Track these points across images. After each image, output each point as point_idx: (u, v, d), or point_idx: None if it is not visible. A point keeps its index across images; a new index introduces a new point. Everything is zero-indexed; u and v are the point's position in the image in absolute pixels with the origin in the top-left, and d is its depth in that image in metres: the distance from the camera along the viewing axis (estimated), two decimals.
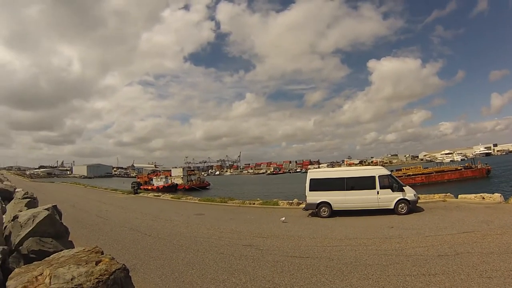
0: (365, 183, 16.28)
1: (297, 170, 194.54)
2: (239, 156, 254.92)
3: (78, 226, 13.62)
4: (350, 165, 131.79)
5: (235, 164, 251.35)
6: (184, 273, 8.18)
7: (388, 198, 15.72)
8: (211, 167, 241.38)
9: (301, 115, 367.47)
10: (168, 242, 11.61)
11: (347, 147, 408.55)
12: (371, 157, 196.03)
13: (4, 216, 8.83)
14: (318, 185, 16.88)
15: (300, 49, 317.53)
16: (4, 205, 13.26)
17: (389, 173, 17.37)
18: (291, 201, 20.73)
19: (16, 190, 20.78)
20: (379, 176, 16.26)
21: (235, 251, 10.04)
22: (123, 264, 4.39)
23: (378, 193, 15.87)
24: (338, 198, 16.23)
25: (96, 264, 4.32)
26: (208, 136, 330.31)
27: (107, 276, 4.08)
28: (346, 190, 16.32)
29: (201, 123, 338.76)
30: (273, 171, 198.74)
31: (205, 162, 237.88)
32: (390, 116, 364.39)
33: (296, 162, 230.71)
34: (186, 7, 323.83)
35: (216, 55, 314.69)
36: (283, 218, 15.10)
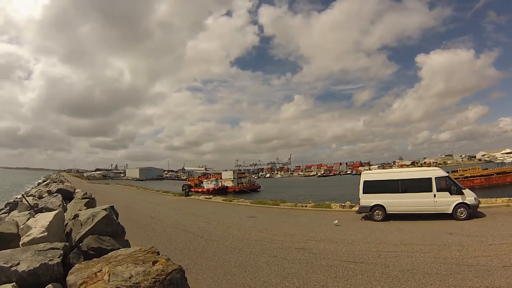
0: (421, 185, 15.46)
1: (348, 172, 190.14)
2: (289, 158, 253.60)
3: (133, 226, 13.96)
4: (401, 166, 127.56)
5: (285, 166, 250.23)
6: (237, 275, 8.17)
7: (445, 201, 14.82)
8: (262, 169, 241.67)
9: (350, 116, 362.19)
10: (221, 244, 11.66)
11: (398, 147, 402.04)
12: (424, 158, 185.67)
13: (65, 214, 9.22)
14: (372, 187, 16.35)
15: (345, 48, 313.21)
16: (65, 204, 13.94)
17: (447, 174, 16.38)
18: (343, 204, 20.30)
19: (75, 191, 21.84)
20: (435, 177, 15.37)
21: (288, 254, 9.91)
22: (179, 265, 4.46)
23: (434, 196, 15.01)
24: (393, 201, 15.58)
25: (153, 264, 4.42)
26: (258, 139, 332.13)
27: (163, 276, 4.15)
28: (401, 192, 15.64)
29: (251, 126, 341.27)
30: (323, 173, 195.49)
31: (255, 165, 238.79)
32: (443, 114, 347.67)
33: (346, 163, 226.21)
34: (229, 13, 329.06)
35: (262, 58, 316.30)
36: (336, 221, 14.73)
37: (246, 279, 7.85)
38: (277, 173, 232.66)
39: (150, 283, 4.02)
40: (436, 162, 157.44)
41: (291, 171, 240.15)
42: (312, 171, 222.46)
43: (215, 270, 8.67)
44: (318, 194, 52.18)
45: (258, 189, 72.32)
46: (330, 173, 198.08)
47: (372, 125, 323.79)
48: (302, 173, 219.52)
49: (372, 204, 15.85)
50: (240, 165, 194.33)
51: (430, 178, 15.37)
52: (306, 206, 21.46)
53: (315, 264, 8.77)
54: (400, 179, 16.07)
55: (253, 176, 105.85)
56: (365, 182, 16.64)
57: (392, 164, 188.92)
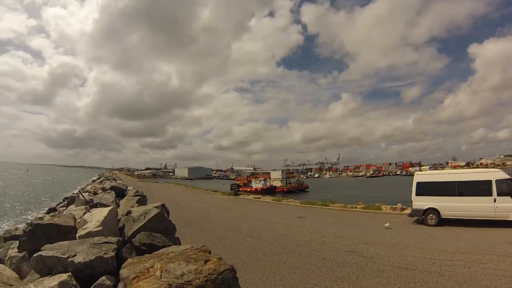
0: (479, 188, 14.50)
1: (397, 173, 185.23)
2: (338, 158, 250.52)
3: (182, 224, 14.13)
4: (455, 167, 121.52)
5: (334, 166, 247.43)
6: (286, 276, 8.07)
7: (507, 207, 13.79)
8: (310, 169, 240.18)
9: (398, 114, 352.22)
10: (270, 244, 11.58)
11: (450, 147, 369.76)
12: (480, 158, 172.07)
13: (118, 210, 9.51)
14: (426, 189, 15.67)
15: (391, 42, 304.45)
16: (118, 200, 14.43)
17: (508, 177, 15.03)
18: (394, 206, 19.73)
19: (128, 188, 22.55)
20: (496, 180, 14.33)
21: (338, 257, 9.70)
22: (231, 265, 4.45)
23: (495, 200, 14.05)
24: (448, 205, 14.81)
25: (205, 263, 4.44)
26: (306, 139, 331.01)
27: (215, 275, 4.17)
28: (457, 195, 14.80)
29: (299, 125, 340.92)
30: (372, 174, 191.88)
31: (304, 165, 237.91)
32: (500, 109, 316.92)
33: (396, 164, 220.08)
34: (271, 14, 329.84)
35: (308, 57, 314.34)
36: (387, 224, 14.33)
37: (295, 281, 7.73)
38: (325, 173, 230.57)
39: (201, 282, 4.05)
40: (494, 163, 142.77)
41: (339, 171, 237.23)
42: (361, 171, 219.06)
43: (264, 270, 8.62)
44: (367, 195, 51.24)
45: (306, 189, 71.86)
46: (379, 173, 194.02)
47: (422, 123, 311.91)
48: (351, 173, 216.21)
49: (425, 208, 15.21)
50: (289, 165, 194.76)
51: (490, 181, 14.35)
52: (355, 208, 21.06)
53: (365, 269, 8.51)
54: (456, 181, 15.20)
55: (301, 176, 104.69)
56: (418, 183, 15.97)
57: (444, 164, 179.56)
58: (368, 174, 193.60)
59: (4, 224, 26.47)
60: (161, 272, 4.23)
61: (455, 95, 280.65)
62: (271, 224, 15.83)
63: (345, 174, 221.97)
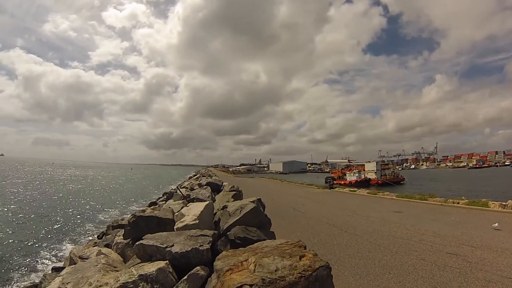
0: None
1: (506, 163, 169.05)
2: (435, 147, 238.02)
3: (277, 218, 14.17)
4: None
5: (431, 156, 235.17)
6: (380, 276, 7.62)
7: None
8: (406, 160, 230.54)
9: (504, 92, 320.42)
10: (365, 240, 11.10)
11: None
12: None
13: (214, 204, 9.82)
14: None
15: (487, 8, 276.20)
16: (213, 195, 14.96)
17: None
18: (504, 203, 17.69)
19: (223, 184, 23.29)
20: None
21: (437, 259, 8.87)
22: (326, 262, 4.29)
23: None
24: None
25: (300, 258, 4.35)
26: (400, 127, 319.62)
27: (310, 272, 4.06)
28: None
29: (392, 114, 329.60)
30: (475, 164, 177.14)
31: (399, 155, 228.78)
32: None
33: (504, 152, 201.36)
34: (349, 0, 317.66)
35: (394, 40, 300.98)
36: (496, 224, 12.65)
37: (390, 282, 7.26)
38: (422, 164, 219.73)
39: (295, 278, 3.97)
40: None
41: (437, 161, 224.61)
42: (461, 161, 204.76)
43: (358, 268, 8.24)
44: (471, 189, 48.06)
45: (402, 182, 69.12)
46: (483, 164, 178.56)
47: None
48: (451, 164, 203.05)
49: None
50: (383, 156, 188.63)
51: None
52: (458, 203, 19.39)
53: (469, 276, 7.56)
54: None
55: (396, 167, 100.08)
56: None
57: None
58: (470, 165, 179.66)
59: (112, 214, 28.93)
60: (255, 266, 4.22)
61: None
62: (367, 219, 15.23)
63: (444, 164, 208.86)
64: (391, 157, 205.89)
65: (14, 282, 13.06)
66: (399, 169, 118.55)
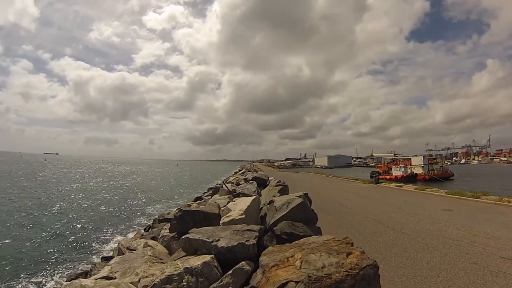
0: None
1: None
2: (488, 140, 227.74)
3: (322, 213, 13.95)
4: None
5: (483, 150, 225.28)
6: (428, 279, 7.12)
7: None
8: (455, 154, 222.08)
9: None
10: (413, 239, 10.67)
11: None
12: None
13: (260, 199, 9.84)
14: None
15: None
16: (259, 190, 15.01)
17: None
18: None
19: (269, 178, 23.36)
20: None
21: (491, 264, 8.11)
22: (374, 261, 4.15)
23: None
24: None
25: (347, 256, 4.26)
26: (449, 119, 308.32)
27: (357, 271, 3.95)
28: None
29: (439, 104, 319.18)
30: None
31: (448, 149, 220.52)
32: None
33: None
34: None
35: (439, 24, 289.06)
36: None
37: (439, 286, 6.77)
38: (473, 158, 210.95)
39: (342, 276, 3.88)
40: None
41: (491, 156, 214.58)
42: None
43: (404, 269, 7.85)
44: None
45: (451, 177, 66.56)
46: None
47: None
48: (505, 159, 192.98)
49: None
50: (431, 150, 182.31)
51: None
52: None
53: None
54: None
55: (445, 162, 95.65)
56: None
57: None
58: None
59: (158, 208, 29.78)
60: (301, 263, 4.17)
61: None
62: (414, 216, 14.71)
63: (498, 159, 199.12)
64: (439, 150, 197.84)
65: (66, 269, 13.70)
66: (448, 163, 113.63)
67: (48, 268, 13.92)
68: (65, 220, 23.86)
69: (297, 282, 3.78)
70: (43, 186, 48.38)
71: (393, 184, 34.27)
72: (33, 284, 12.25)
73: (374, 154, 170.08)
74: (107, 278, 5.96)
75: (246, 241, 5.82)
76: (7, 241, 18.02)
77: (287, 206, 7.29)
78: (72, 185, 51.23)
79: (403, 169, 66.11)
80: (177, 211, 9.54)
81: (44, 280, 12.63)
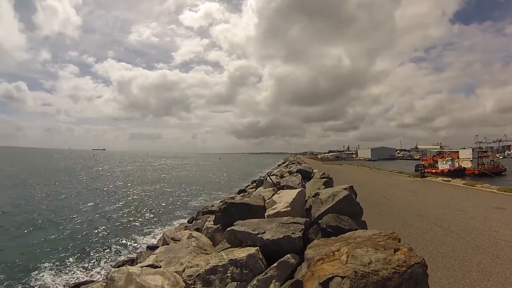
0: None
1: None
2: None
3: (367, 206, 13.68)
4: None
5: None
6: (478, 282, 6.76)
7: None
8: (508, 147, 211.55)
9: None
10: (461, 238, 10.22)
11: None
12: None
13: (305, 191, 9.82)
14: None
15: None
16: (304, 183, 14.96)
17: None
18: None
19: (313, 171, 23.25)
20: None
21: None
22: (423, 259, 3.99)
23: None
24: None
25: (394, 252, 4.12)
26: (501, 107, 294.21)
27: (404, 268, 3.81)
28: None
29: (489, 92, 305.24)
30: None
31: (500, 141, 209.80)
32: None
33: None
34: None
35: (487, 3, 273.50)
36: None
37: None
38: None
39: (388, 274, 3.76)
40: None
41: None
42: None
43: (452, 270, 7.52)
44: None
45: (503, 172, 62.26)
46: None
47: None
48: None
49: None
50: (481, 142, 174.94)
51: None
52: None
53: None
54: None
55: (497, 155, 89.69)
56: None
57: None
58: None
59: (201, 200, 30.33)
60: (347, 257, 4.09)
61: None
62: (463, 214, 14.12)
63: None
64: (490, 143, 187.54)
65: (113, 256, 14.17)
66: (500, 157, 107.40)
67: (96, 254, 14.51)
68: (114, 208, 25.43)
69: (343, 278, 3.68)
70: (96, 178, 51.65)
71: (439, 178, 33.23)
72: (81, 269, 12.74)
73: (418, 147, 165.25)
74: (153, 266, 6.14)
75: (292, 233, 5.82)
76: (69, 226, 19.50)
77: (332, 198, 7.22)
78: (120, 178, 53.69)
79: (450, 163, 62.92)
80: (222, 203, 9.70)
81: (90, 266, 13.11)
